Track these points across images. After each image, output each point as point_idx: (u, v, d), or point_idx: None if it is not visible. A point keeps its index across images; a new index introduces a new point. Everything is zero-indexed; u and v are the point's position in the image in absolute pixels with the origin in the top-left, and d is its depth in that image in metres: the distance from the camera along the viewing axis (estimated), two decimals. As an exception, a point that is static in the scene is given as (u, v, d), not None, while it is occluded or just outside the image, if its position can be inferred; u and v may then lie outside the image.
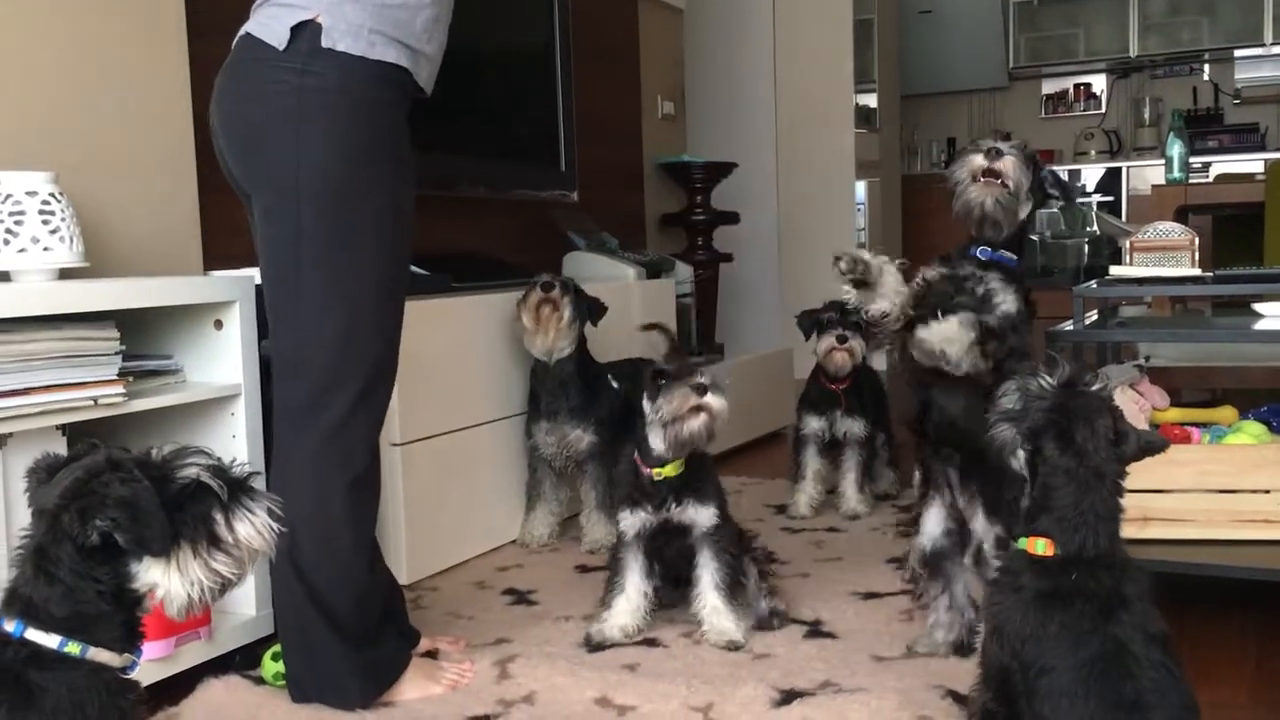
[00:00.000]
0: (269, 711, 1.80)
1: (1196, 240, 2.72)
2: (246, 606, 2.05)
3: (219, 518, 1.17)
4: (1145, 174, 6.73)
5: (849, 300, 2.16)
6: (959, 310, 1.86)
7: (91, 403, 1.76)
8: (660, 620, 2.16)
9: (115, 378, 1.80)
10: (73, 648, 1.13)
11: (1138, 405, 2.20)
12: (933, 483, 1.96)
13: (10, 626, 1.13)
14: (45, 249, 1.88)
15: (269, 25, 1.70)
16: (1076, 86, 7.49)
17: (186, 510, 1.16)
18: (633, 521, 2.09)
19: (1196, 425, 2.25)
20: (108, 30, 2.23)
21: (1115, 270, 2.72)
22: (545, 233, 3.67)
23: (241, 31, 1.76)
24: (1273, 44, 6.67)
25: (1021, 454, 1.36)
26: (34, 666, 1.11)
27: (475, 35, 2.92)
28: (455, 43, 1.87)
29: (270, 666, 1.89)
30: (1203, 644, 1.99)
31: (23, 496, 1.72)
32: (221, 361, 2.01)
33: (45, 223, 1.88)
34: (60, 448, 1.77)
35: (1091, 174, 7.09)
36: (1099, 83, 7.44)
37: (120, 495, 1.12)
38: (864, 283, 1.89)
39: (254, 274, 2.01)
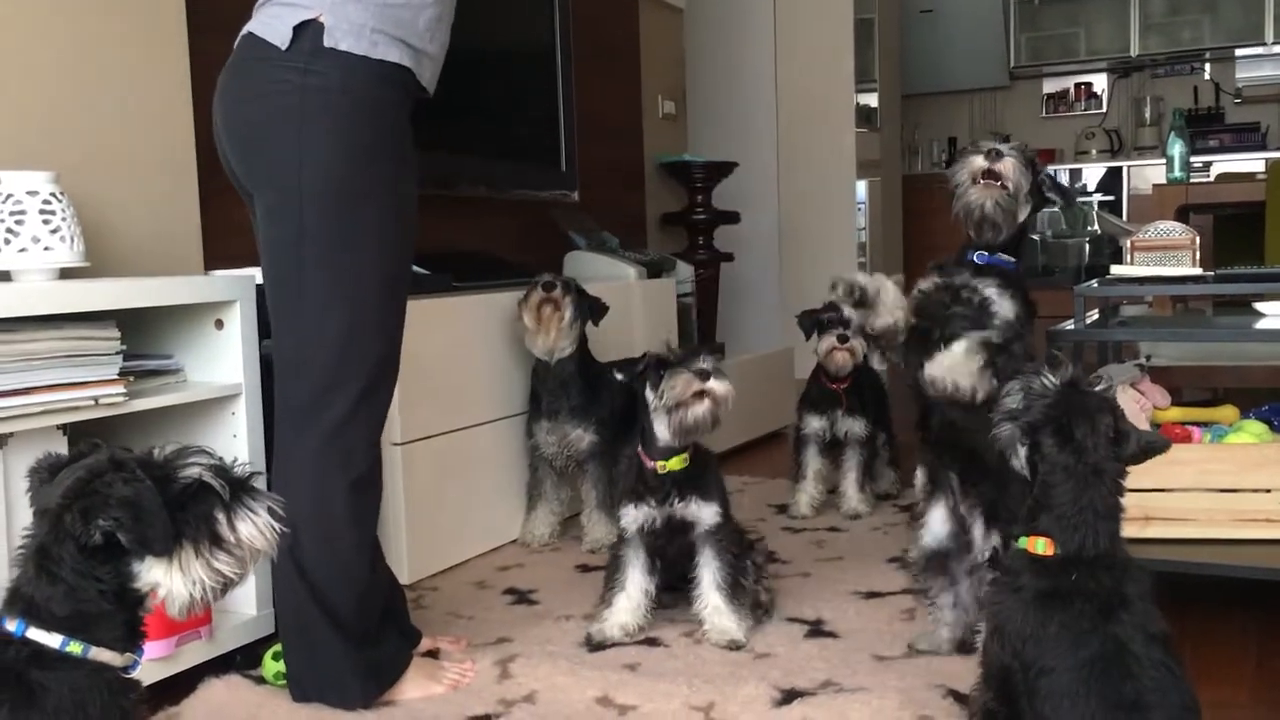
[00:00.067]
0: (270, 711, 1.81)
1: (1197, 239, 2.72)
2: (247, 606, 2.05)
3: (221, 517, 1.17)
4: (1146, 173, 6.73)
5: (849, 317, 2.20)
6: (958, 327, 1.87)
7: (92, 402, 1.76)
8: (661, 619, 2.16)
9: (116, 377, 1.80)
10: (74, 647, 1.13)
11: (1139, 404, 2.20)
12: (937, 483, 1.96)
13: (12, 626, 1.13)
14: (46, 249, 1.88)
15: (271, 25, 1.70)
16: (1077, 86, 7.48)
17: (189, 510, 1.16)
18: (635, 516, 2.08)
19: (1197, 424, 2.25)
20: (108, 30, 2.23)
21: (1116, 270, 2.72)
22: (546, 232, 3.67)
23: (244, 31, 1.76)
24: (1274, 43, 6.66)
25: (1022, 452, 1.36)
26: (36, 666, 1.11)
27: (476, 35, 2.92)
28: (456, 42, 1.87)
29: (271, 666, 1.89)
30: (1204, 643, 1.99)
31: (24, 496, 1.72)
32: (222, 361, 2.01)
33: (46, 222, 1.88)
34: (61, 447, 1.77)
35: (1092, 173, 7.09)
36: (1100, 82, 7.43)
37: (123, 495, 1.12)
38: (863, 304, 1.92)
39: (255, 273, 2.01)
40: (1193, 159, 5.32)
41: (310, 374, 1.74)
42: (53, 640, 1.12)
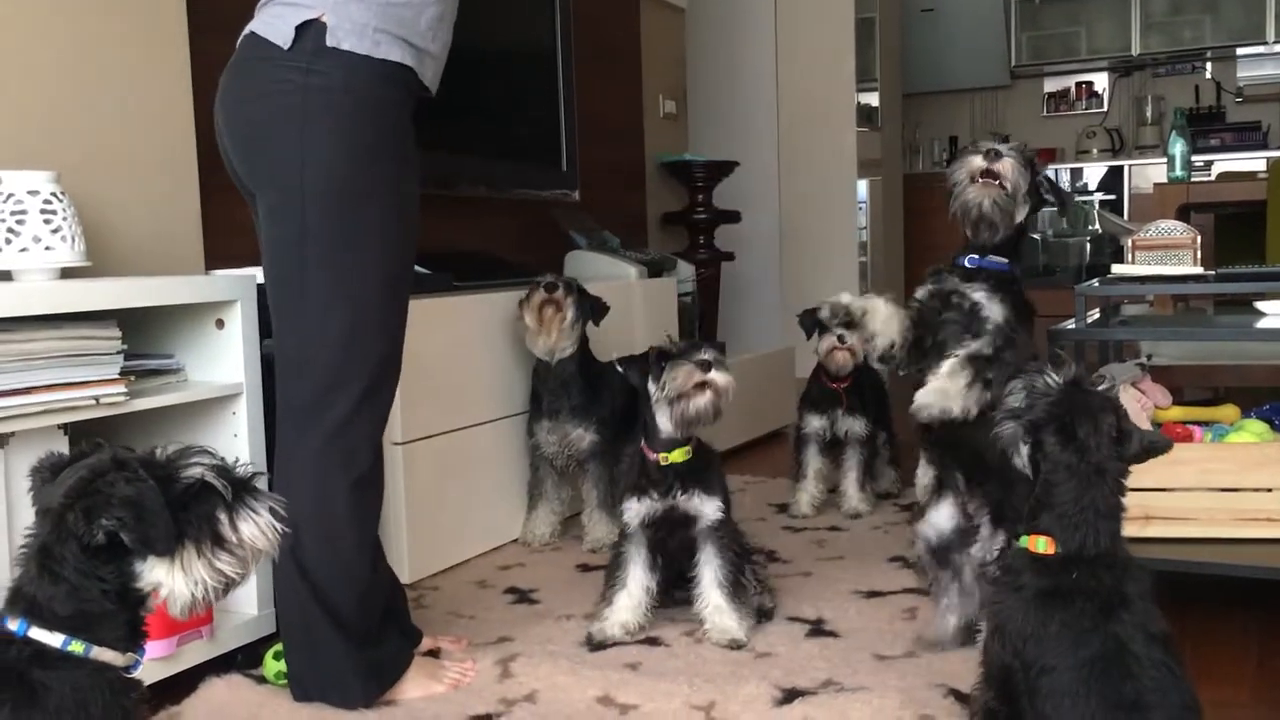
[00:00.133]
0: (271, 710, 1.81)
1: (1198, 239, 2.72)
2: (248, 605, 2.05)
3: (223, 517, 1.18)
4: (1147, 172, 6.72)
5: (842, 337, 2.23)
6: (949, 334, 1.88)
7: (93, 402, 1.76)
8: (662, 619, 2.16)
9: (117, 377, 1.80)
10: (76, 647, 1.13)
11: (1140, 404, 2.20)
12: (944, 480, 1.97)
13: (14, 625, 1.13)
14: (47, 248, 1.88)
15: (274, 24, 1.70)
16: (1078, 85, 7.48)
17: (191, 510, 1.16)
18: (638, 509, 2.08)
19: (1198, 424, 2.25)
20: (109, 29, 2.23)
21: (1117, 269, 2.71)
22: (547, 232, 3.67)
23: (246, 30, 1.76)
24: (1275, 42, 6.66)
25: (1024, 451, 1.36)
26: (38, 665, 1.11)
27: (477, 35, 2.92)
28: (457, 42, 1.87)
29: (272, 665, 1.89)
30: (1204, 642, 1.99)
31: (25, 496, 1.72)
32: (223, 361, 2.01)
33: (47, 222, 1.88)
34: (62, 447, 1.78)
35: (1093, 172, 7.08)
36: (1101, 81, 7.43)
37: (125, 494, 1.12)
38: (851, 325, 1.94)
39: (255, 273, 2.01)
40: (1194, 158, 5.31)
41: (312, 373, 1.74)
42: (54, 640, 1.12)
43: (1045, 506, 1.32)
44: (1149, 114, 7.19)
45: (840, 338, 2.88)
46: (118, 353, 1.81)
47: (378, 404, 1.79)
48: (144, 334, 2.00)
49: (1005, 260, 1.95)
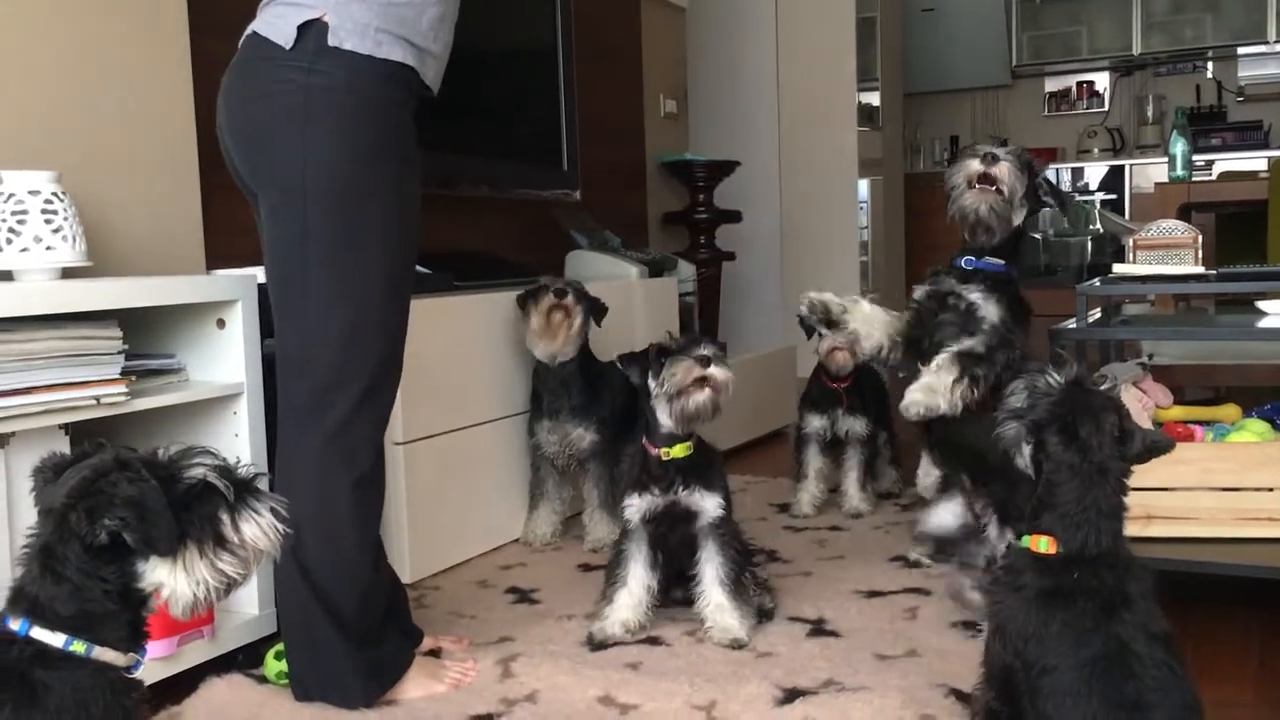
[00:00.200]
0: (272, 710, 1.81)
1: (1200, 238, 2.72)
2: (249, 605, 2.05)
3: (225, 518, 1.18)
4: (1148, 172, 6.72)
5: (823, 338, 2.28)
6: (945, 335, 1.90)
7: (94, 402, 1.76)
8: (663, 618, 2.16)
9: (118, 377, 1.80)
10: (78, 646, 1.13)
11: (1141, 403, 2.20)
12: (950, 480, 1.98)
13: (15, 625, 1.13)
14: (48, 248, 1.88)
15: (275, 24, 1.70)
16: (1079, 84, 7.47)
17: (193, 510, 1.16)
18: (639, 505, 2.09)
19: (1200, 423, 2.25)
20: (110, 29, 2.23)
21: (1118, 268, 2.71)
22: (548, 232, 3.67)
23: (248, 30, 1.76)
24: (1276, 41, 6.65)
25: (1026, 450, 1.35)
26: (39, 665, 1.11)
27: (478, 34, 2.92)
28: (458, 42, 1.87)
29: (273, 665, 1.89)
30: (1206, 642, 1.99)
31: (26, 495, 1.72)
32: (224, 360, 2.01)
33: (48, 222, 1.88)
34: (63, 447, 1.78)
35: (1094, 172, 7.08)
36: (1102, 80, 7.42)
37: (128, 494, 1.12)
38: (831, 322, 1.96)
39: (256, 273, 2.01)
40: (1195, 157, 5.31)
41: (313, 373, 1.74)
42: (56, 640, 1.12)
43: (1047, 506, 1.32)
44: (1150, 113, 7.19)
45: (820, 335, 2.87)
46: (119, 353, 1.81)
47: (379, 404, 1.79)
48: (145, 334, 2.00)
49: (1002, 262, 1.96)
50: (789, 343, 4.28)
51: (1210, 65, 7.09)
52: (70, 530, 1.12)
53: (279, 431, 1.80)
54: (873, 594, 2.31)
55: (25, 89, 2.09)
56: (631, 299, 3.33)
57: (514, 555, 2.73)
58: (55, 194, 1.90)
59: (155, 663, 1.81)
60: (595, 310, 2.78)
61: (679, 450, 2.08)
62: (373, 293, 1.74)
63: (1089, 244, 7.04)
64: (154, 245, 2.32)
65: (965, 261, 1.96)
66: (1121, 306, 2.99)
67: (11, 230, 1.86)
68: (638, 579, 2.10)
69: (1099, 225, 6.81)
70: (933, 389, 1.87)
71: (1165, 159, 5.04)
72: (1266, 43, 6.69)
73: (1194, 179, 4.75)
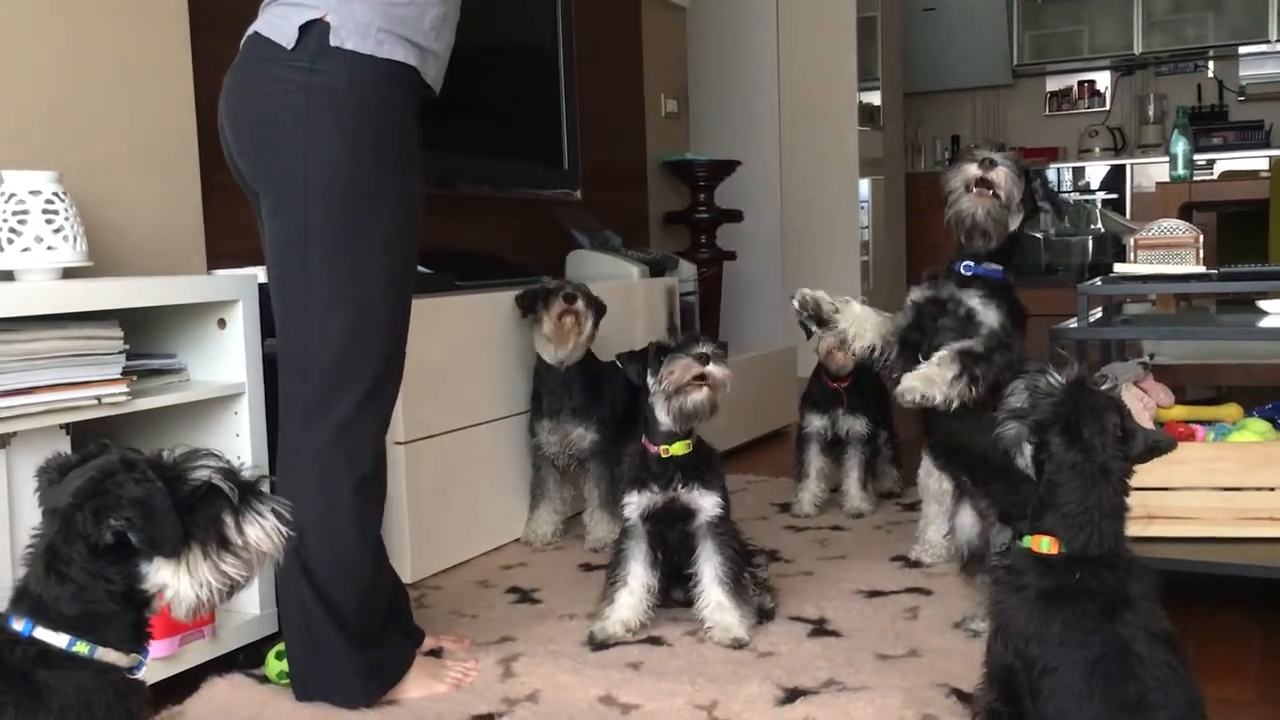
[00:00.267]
0: (273, 710, 1.81)
1: (1201, 237, 2.72)
2: (250, 605, 2.05)
3: (229, 520, 1.18)
4: (1149, 171, 6.71)
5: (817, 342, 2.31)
6: (945, 340, 1.92)
7: (95, 402, 1.76)
8: (664, 618, 2.16)
9: (119, 377, 1.80)
10: (81, 647, 1.13)
11: (1142, 403, 2.20)
12: (960, 485, 1.98)
13: (19, 625, 1.13)
14: (49, 248, 1.88)
15: (277, 24, 1.70)
16: (1081, 84, 7.47)
17: (197, 512, 1.17)
18: (639, 502, 2.09)
19: (1201, 423, 2.25)
20: (111, 29, 2.23)
21: (1120, 268, 2.71)
22: (549, 231, 3.67)
23: (250, 31, 1.76)
24: (1277, 41, 6.65)
25: (1028, 451, 1.35)
26: (42, 666, 1.11)
27: (478, 34, 2.92)
28: (459, 41, 1.87)
29: (274, 665, 1.89)
30: (1208, 642, 1.99)
31: (27, 495, 1.73)
32: (225, 360, 2.01)
33: (49, 222, 1.88)
34: (64, 447, 1.78)
35: (1095, 171, 7.08)
36: (1103, 80, 7.42)
37: (134, 495, 1.12)
38: (821, 321, 1.98)
39: (257, 273, 2.01)
40: (1196, 157, 5.30)
41: (316, 373, 1.74)
42: (59, 640, 1.13)
43: (1049, 507, 1.32)
44: (1151, 113, 7.18)
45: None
46: (120, 352, 1.81)
47: (381, 404, 1.79)
48: (146, 334, 2.00)
49: (1000, 268, 1.98)
50: (790, 342, 4.28)
51: (1211, 64, 7.08)
52: (76, 530, 1.12)
53: (280, 431, 1.80)
54: (874, 594, 2.31)
55: (26, 89, 2.09)
56: (632, 298, 3.33)
57: (515, 555, 2.73)
58: (56, 194, 1.90)
59: (156, 662, 1.81)
60: (599, 312, 2.79)
61: (678, 448, 2.08)
62: (374, 293, 1.74)
63: (1090, 243, 7.04)
64: (155, 245, 2.32)
65: (964, 267, 1.97)
66: (1123, 306, 2.98)
67: (13, 230, 1.86)
68: (638, 578, 2.10)
69: (1100, 225, 6.80)
70: (931, 380, 1.88)
71: (1166, 158, 5.04)
72: (1268, 42, 6.69)
73: (1195, 178, 4.75)
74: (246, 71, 1.75)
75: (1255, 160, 6.01)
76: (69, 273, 1.93)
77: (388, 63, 1.71)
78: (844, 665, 1.93)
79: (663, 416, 2.07)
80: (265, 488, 1.22)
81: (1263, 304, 2.78)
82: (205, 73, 2.31)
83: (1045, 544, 1.31)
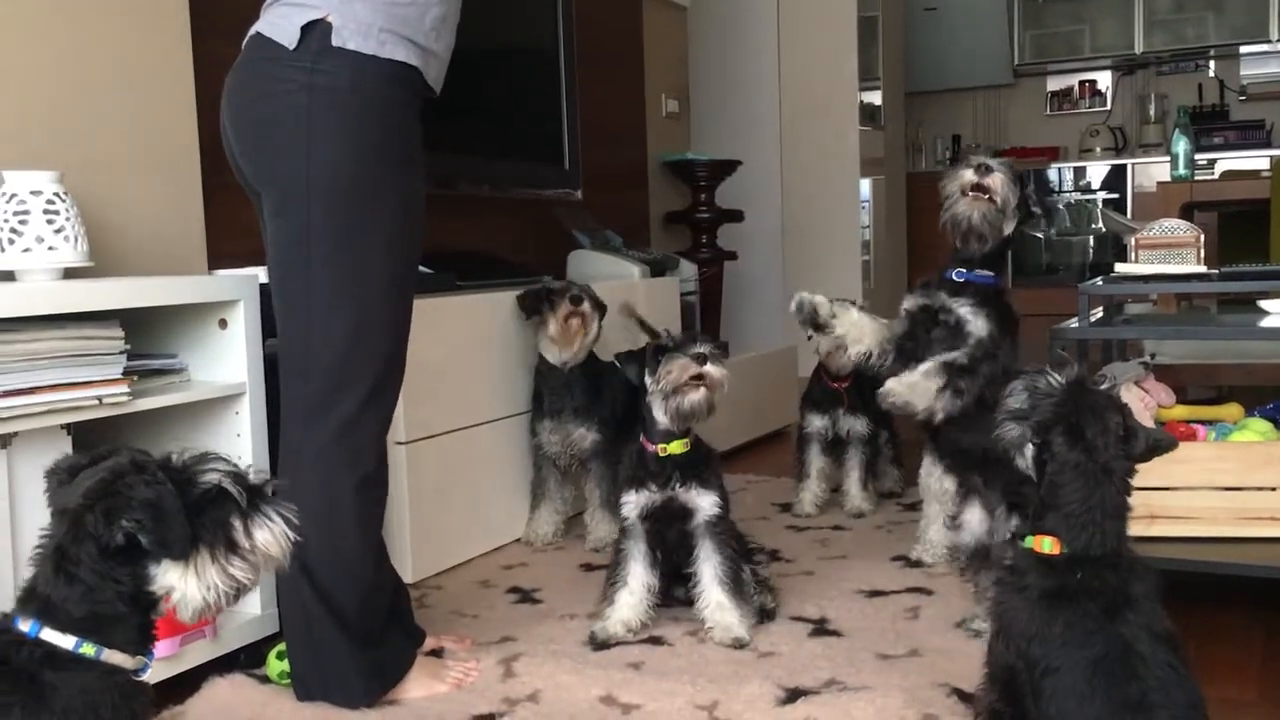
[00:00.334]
0: (274, 710, 1.81)
1: (1202, 237, 2.71)
2: (251, 605, 2.05)
3: (237, 524, 1.19)
4: (1150, 171, 6.72)
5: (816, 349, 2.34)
6: (936, 350, 1.95)
7: (96, 402, 1.76)
8: (665, 618, 2.16)
9: (120, 377, 1.80)
10: (87, 649, 1.13)
11: (1143, 403, 2.20)
12: (968, 484, 1.99)
13: (25, 626, 1.13)
14: (50, 248, 1.88)
15: (279, 25, 1.70)
16: (1082, 83, 7.47)
17: (206, 515, 1.17)
18: (637, 501, 2.09)
19: (1202, 423, 2.25)
20: (112, 29, 2.23)
21: (1120, 267, 2.71)
22: (549, 231, 3.67)
23: (251, 31, 1.76)
24: (1278, 40, 6.65)
25: (1029, 451, 1.35)
26: (48, 667, 1.12)
27: (479, 34, 2.92)
28: (460, 42, 1.87)
29: (275, 665, 1.89)
30: (1209, 641, 1.99)
31: (29, 495, 1.73)
32: (226, 360, 2.01)
33: (50, 222, 1.88)
34: (65, 447, 1.78)
35: (1096, 171, 7.08)
36: (1104, 79, 7.42)
37: (145, 497, 1.13)
38: (818, 325, 2.02)
39: (258, 273, 2.01)
40: (1197, 156, 5.31)
41: (318, 373, 1.74)
42: (66, 642, 1.13)
43: (1051, 507, 1.32)
44: (1152, 112, 7.18)
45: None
46: (121, 353, 1.81)
47: (383, 403, 1.79)
48: (147, 334, 2.00)
49: (992, 274, 2.02)
50: (790, 342, 4.28)
51: (1212, 64, 7.09)
52: (86, 531, 1.13)
53: (282, 431, 1.80)
54: (875, 593, 2.31)
55: (27, 89, 2.09)
56: (633, 299, 3.32)
57: (516, 555, 2.73)
58: (57, 194, 1.90)
59: (158, 662, 1.79)
60: (602, 313, 2.79)
61: (675, 447, 2.08)
62: (376, 292, 1.74)
63: (1091, 243, 7.04)
64: (156, 245, 2.32)
65: (956, 274, 2.01)
66: (1124, 306, 2.98)
67: (14, 230, 1.86)
68: (638, 578, 2.10)
69: (1101, 224, 6.81)
70: (914, 388, 1.93)
71: (1167, 158, 5.04)
72: (1269, 41, 6.69)
73: (1196, 178, 4.75)
74: (248, 72, 1.75)
75: (1256, 160, 6.01)
76: (70, 273, 1.93)
77: (390, 63, 1.71)
78: (845, 665, 1.93)
79: (660, 416, 2.07)
80: (272, 491, 1.23)
81: (1264, 304, 2.78)
82: (206, 73, 2.31)
83: (1047, 544, 1.31)
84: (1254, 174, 4.82)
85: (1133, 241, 2.79)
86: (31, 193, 1.88)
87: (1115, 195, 6.98)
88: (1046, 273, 7.08)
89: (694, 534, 2.10)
